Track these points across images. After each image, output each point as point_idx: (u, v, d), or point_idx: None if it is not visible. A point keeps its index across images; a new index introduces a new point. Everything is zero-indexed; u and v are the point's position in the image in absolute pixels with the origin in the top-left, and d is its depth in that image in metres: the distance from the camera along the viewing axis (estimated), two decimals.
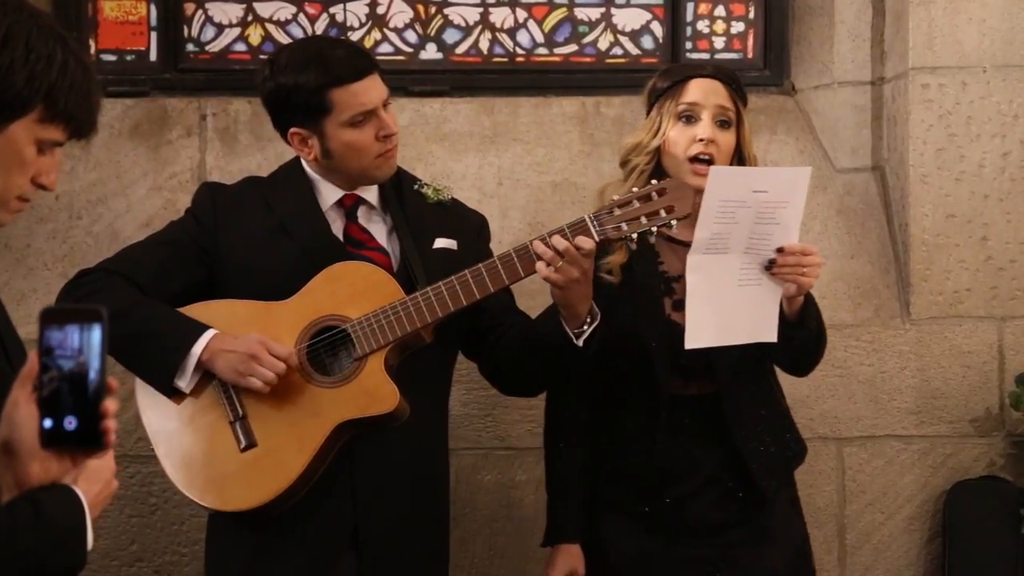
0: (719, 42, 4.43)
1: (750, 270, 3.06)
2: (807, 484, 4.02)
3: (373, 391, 3.01)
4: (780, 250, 3.05)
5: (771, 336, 3.10)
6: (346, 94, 3.09)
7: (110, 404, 1.82)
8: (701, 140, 3.16)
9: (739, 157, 3.24)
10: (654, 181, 3.03)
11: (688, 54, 4.40)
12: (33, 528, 1.80)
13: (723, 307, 3.05)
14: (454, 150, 4.19)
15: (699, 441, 3.19)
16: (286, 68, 3.13)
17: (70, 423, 1.80)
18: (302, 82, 3.09)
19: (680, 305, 3.15)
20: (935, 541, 4.07)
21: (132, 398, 3.67)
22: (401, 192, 3.25)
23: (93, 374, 1.79)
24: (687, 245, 3.08)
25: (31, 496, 1.82)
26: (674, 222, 2.96)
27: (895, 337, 4.08)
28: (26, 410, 1.80)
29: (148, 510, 3.95)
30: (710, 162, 3.15)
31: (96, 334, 1.80)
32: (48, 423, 1.79)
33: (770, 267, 3.06)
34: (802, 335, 3.16)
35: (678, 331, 3.11)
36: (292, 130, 3.16)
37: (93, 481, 1.90)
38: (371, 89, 3.12)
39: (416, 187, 3.28)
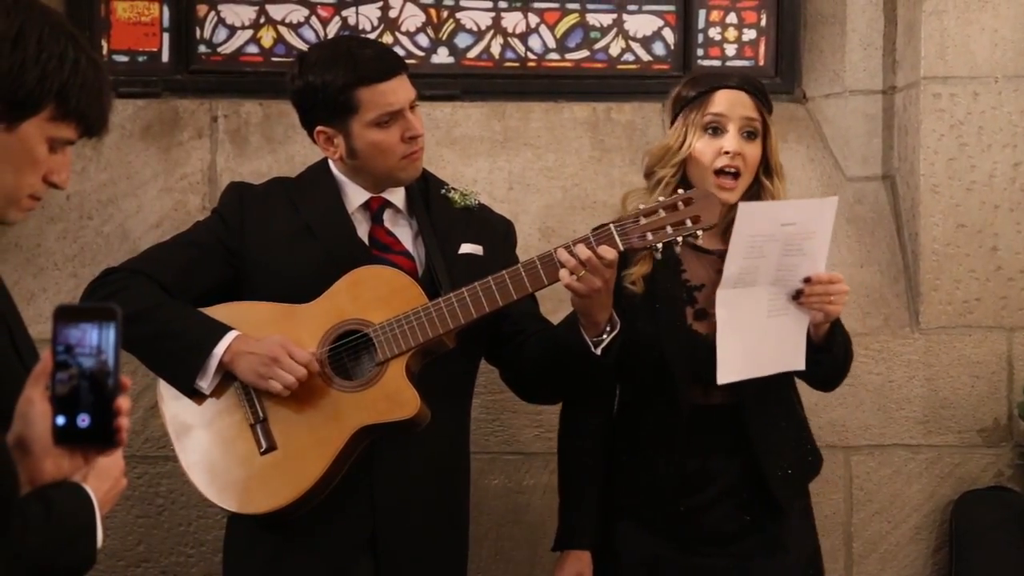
0: (730, 49, 4.42)
1: (778, 300, 3.06)
2: (814, 492, 3.98)
3: (394, 396, 3.01)
4: (807, 280, 3.05)
5: (799, 365, 3.11)
6: (373, 94, 3.09)
7: (123, 402, 1.83)
8: (727, 153, 3.13)
9: (765, 166, 3.21)
10: (681, 191, 3.02)
11: (699, 61, 4.40)
12: (44, 526, 1.82)
13: (752, 339, 3.04)
14: (465, 154, 4.19)
15: (718, 451, 3.17)
16: (315, 66, 3.13)
17: (83, 420, 1.81)
18: (329, 80, 3.09)
19: (702, 314, 3.16)
20: (942, 551, 4.06)
21: (140, 399, 3.70)
22: (428, 196, 3.25)
23: (109, 372, 1.81)
24: (711, 253, 3.08)
25: (42, 494, 1.83)
26: (700, 232, 2.96)
27: (904, 346, 4.07)
28: (40, 407, 1.81)
29: (155, 511, 3.95)
30: (736, 174, 3.14)
31: (111, 332, 1.81)
32: (61, 420, 1.81)
33: (798, 297, 3.06)
34: (829, 360, 3.16)
35: (699, 341, 3.11)
36: (318, 128, 3.16)
37: (103, 479, 1.91)
38: (398, 90, 3.12)
39: (443, 191, 3.28)
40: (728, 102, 3.18)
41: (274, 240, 3.18)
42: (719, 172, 3.14)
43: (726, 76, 3.42)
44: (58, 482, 1.85)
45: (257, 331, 3.04)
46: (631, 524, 3.22)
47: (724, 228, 3.09)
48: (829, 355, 3.15)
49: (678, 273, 3.18)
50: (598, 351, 3.00)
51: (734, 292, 3.01)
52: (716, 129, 3.16)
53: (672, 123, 3.25)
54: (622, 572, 3.23)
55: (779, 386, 3.22)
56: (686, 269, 3.19)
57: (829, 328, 3.12)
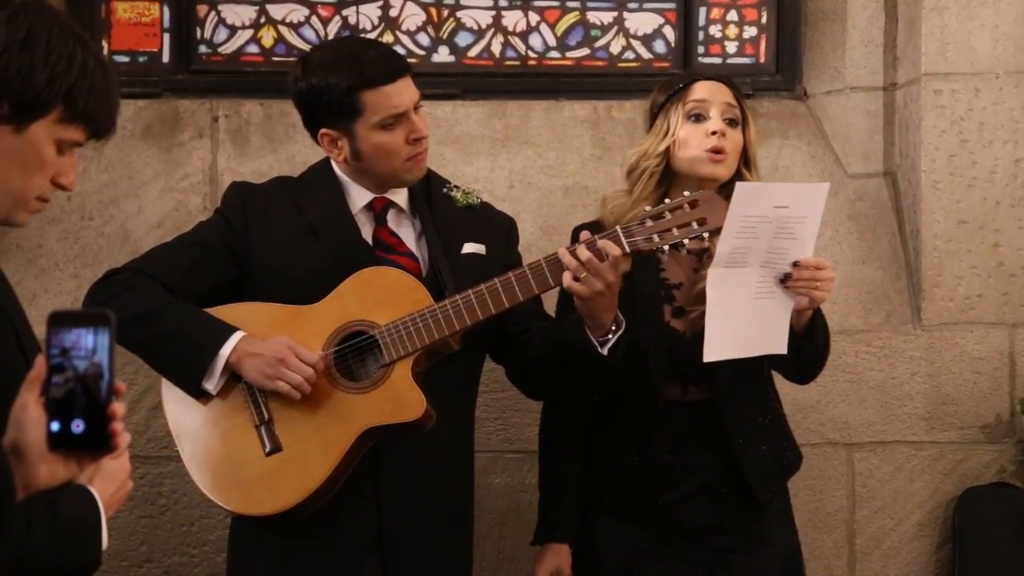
0: (731, 47, 4.42)
1: (765, 283, 3.07)
2: (817, 489, 4.02)
3: (400, 398, 3.01)
4: (796, 264, 3.06)
5: (782, 349, 3.12)
6: (377, 96, 3.08)
7: (118, 407, 1.83)
8: (714, 133, 3.17)
9: (745, 158, 3.25)
10: (686, 192, 3.02)
11: (700, 59, 4.39)
12: (49, 528, 1.81)
13: (739, 320, 3.06)
14: (466, 153, 4.19)
15: (695, 447, 3.20)
16: (318, 68, 3.12)
17: (77, 426, 1.81)
18: (333, 83, 3.08)
19: (680, 312, 3.19)
20: (945, 547, 4.06)
21: (142, 399, 3.69)
22: (430, 195, 3.25)
23: (104, 376, 1.80)
24: (691, 253, 3.08)
25: (47, 496, 1.83)
26: (706, 234, 2.97)
27: (906, 343, 4.07)
28: (34, 413, 1.81)
29: (158, 511, 3.95)
30: (722, 153, 3.17)
31: (106, 337, 1.81)
32: (55, 426, 1.80)
33: (785, 280, 3.07)
34: (809, 348, 3.18)
35: (677, 337, 3.16)
36: (322, 131, 3.15)
37: (109, 481, 1.91)
38: (403, 91, 3.11)
39: (445, 190, 3.27)
40: (708, 90, 3.23)
41: (277, 240, 3.17)
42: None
43: (699, 71, 3.46)
44: (64, 484, 1.85)
45: (262, 332, 3.04)
46: (610, 518, 3.24)
47: None
48: (810, 343, 3.16)
49: (657, 271, 3.22)
50: (604, 351, 3.00)
51: (724, 271, 3.02)
52: (699, 116, 3.20)
53: (649, 129, 3.29)
54: (601, 566, 3.26)
55: (756, 382, 3.25)
56: (664, 267, 3.22)
57: (811, 316, 3.14)
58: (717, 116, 3.19)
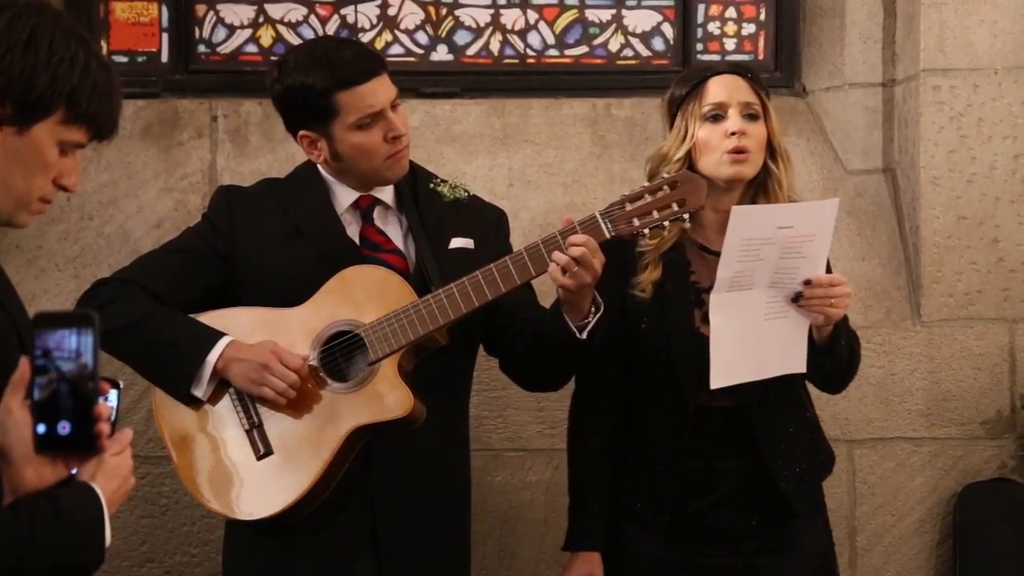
0: (730, 44, 4.42)
1: (776, 303, 3.01)
2: None
3: (387, 396, 3.00)
4: (807, 282, 3.00)
5: (799, 367, 3.07)
6: (352, 96, 3.07)
7: (103, 408, 1.83)
8: (733, 134, 3.08)
9: (770, 150, 3.15)
10: (665, 174, 3.00)
11: (699, 56, 4.40)
12: (52, 525, 1.82)
13: (749, 343, 3.01)
14: (465, 151, 4.19)
15: (725, 454, 3.14)
16: (293, 70, 3.11)
17: (64, 428, 1.81)
18: (309, 84, 3.08)
19: (708, 317, 3.09)
20: (946, 543, 4.06)
21: (143, 400, 3.69)
22: (417, 191, 3.24)
23: (89, 376, 1.81)
24: (719, 255, 3.02)
25: (50, 493, 1.83)
26: (687, 215, 2.94)
27: (906, 339, 4.07)
28: (19, 415, 1.81)
29: (159, 511, 3.95)
30: (745, 152, 3.09)
31: (89, 338, 1.80)
32: (41, 428, 1.80)
33: (797, 299, 3.02)
34: (831, 362, 3.11)
35: (705, 343, 3.05)
36: (301, 133, 3.15)
37: (111, 478, 1.91)
38: (378, 91, 3.10)
39: (432, 185, 3.26)
40: (725, 89, 3.13)
41: (264, 242, 3.17)
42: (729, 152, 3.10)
43: (715, 64, 3.40)
44: (66, 481, 1.86)
45: (249, 337, 3.05)
46: (638, 526, 3.19)
47: None
48: (830, 357, 3.10)
49: (687, 275, 3.15)
50: (584, 335, 2.98)
51: (728, 296, 2.97)
52: (717, 116, 3.11)
53: (671, 126, 3.20)
54: (630, 573, 3.21)
55: (787, 387, 3.17)
56: (695, 270, 3.15)
57: (832, 330, 3.07)
58: (735, 115, 3.10)
